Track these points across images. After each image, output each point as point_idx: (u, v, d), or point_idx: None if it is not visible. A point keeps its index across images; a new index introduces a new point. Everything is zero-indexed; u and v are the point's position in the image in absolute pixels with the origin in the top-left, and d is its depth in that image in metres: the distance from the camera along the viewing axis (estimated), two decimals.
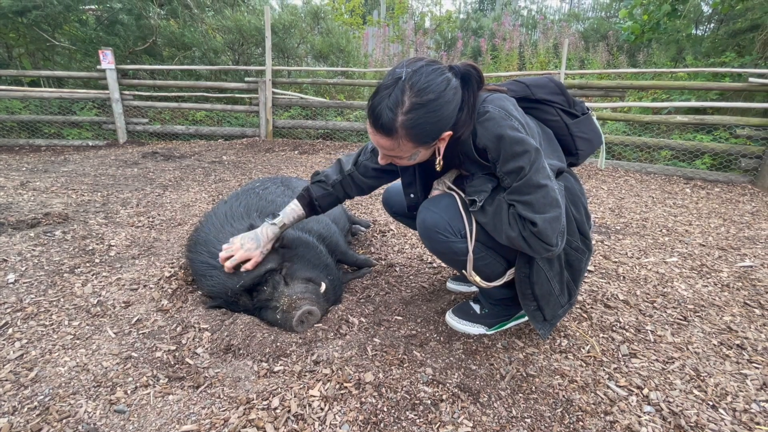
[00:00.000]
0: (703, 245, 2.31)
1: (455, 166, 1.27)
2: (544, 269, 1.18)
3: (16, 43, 6.14)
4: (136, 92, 5.66)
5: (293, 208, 1.43)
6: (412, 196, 1.35)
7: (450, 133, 1.08)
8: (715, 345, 1.39)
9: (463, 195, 1.20)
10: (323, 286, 1.46)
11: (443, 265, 1.96)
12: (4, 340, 1.30)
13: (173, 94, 5.76)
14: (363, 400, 1.09)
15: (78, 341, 1.31)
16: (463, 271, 1.23)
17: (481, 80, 1.11)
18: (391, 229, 2.44)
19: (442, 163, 1.15)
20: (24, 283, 1.64)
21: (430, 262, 1.99)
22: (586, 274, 1.87)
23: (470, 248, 1.17)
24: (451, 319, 1.44)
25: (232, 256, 1.38)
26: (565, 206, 1.13)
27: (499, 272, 1.24)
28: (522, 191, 1.04)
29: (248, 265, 1.38)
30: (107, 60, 5.25)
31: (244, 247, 1.38)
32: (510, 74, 5.57)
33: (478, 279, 1.23)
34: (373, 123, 1.05)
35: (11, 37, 6.01)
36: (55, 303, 1.52)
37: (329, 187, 1.42)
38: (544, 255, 1.09)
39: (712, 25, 6.81)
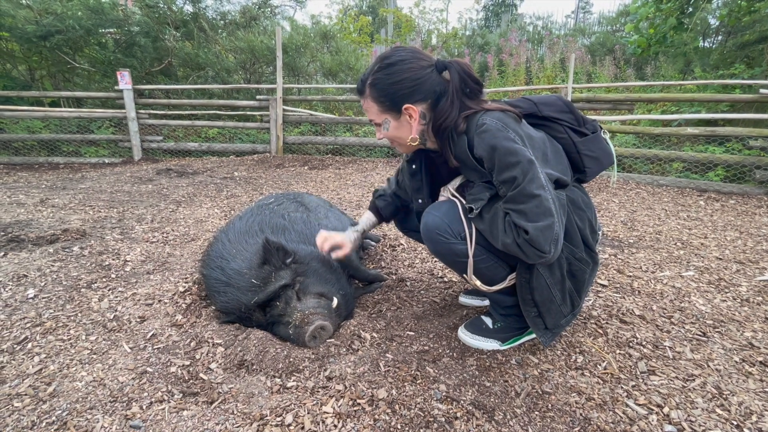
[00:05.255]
0: (720, 259, 2.27)
1: (456, 170, 1.35)
2: (544, 275, 1.20)
3: (39, 65, 6.41)
4: (152, 111, 5.83)
5: (368, 217, 1.61)
6: (420, 201, 1.43)
7: (415, 108, 1.18)
8: (736, 362, 1.35)
9: (464, 201, 1.24)
10: (335, 301, 1.46)
11: (454, 279, 1.96)
12: (24, 354, 1.33)
13: (187, 112, 5.93)
14: (376, 417, 1.08)
15: (95, 356, 1.33)
16: (464, 275, 1.27)
17: (467, 69, 1.18)
18: (401, 244, 2.44)
19: (416, 142, 1.25)
20: (43, 298, 1.68)
21: (441, 277, 1.99)
22: (600, 289, 1.85)
23: (470, 253, 1.21)
24: (464, 335, 1.43)
25: (328, 240, 1.51)
26: (566, 214, 1.18)
27: (501, 276, 1.26)
28: (516, 200, 1.08)
29: (340, 253, 1.50)
30: (125, 81, 5.44)
31: (340, 235, 1.52)
32: (517, 89, 5.62)
33: (478, 282, 1.26)
34: (356, 90, 1.28)
35: (34, 60, 6.28)
36: (72, 318, 1.54)
37: (389, 198, 1.59)
38: (538, 261, 1.11)
39: (720, 37, 6.81)
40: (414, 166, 1.42)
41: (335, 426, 1.05)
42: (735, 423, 1.08)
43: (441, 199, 1.35)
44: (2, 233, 2.38)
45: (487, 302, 1.64)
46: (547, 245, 1.06)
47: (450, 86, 1.17)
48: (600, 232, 1.39)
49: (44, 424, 1.05)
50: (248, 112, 6.00)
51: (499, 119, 1.12)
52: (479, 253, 1.22)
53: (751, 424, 1.08)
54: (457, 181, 1.34)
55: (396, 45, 1.28)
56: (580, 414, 1.11)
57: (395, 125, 1.24)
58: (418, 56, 1.19)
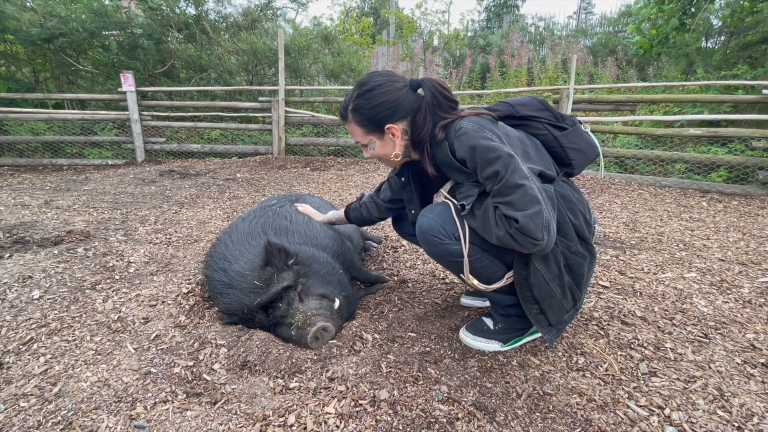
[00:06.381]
0: (722, 260, 2.27)
1: (443, 178, 1.40)
2: (541, 270, 1.21)
3: (43, 68, 6.46)
4: (155, 113, 5.86)
5: (339, 211, 1.83)
6: (413, 212, 1.47)
7: (397, 127, 1.27)
8: (738, 363, 1.35)
9: (456, 202, 1.27)
10: (337, 303, 1.47)
11: (456, 280, 1.96)
12: (29, 355, 1.34)
13: (190, 114, 5.95)
14: (378, 417, 1.09)
15: (99, 357, 1.34)
16: (461, 275, 1.28)
17: (439, 86, 1.26)
18: (403, 245, 2.45)
19: (399, 157, 1.34)
20: (48, 299, 1.70)
21: (443, 278, 2.00)
22: (602, 290, 1.85)
23: (465, 252, 1.23)
24: (465, 336, 1.43)
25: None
26: (557, 207, 1.20)
27: (498, 275, 1.27)
28: (502, 193, 1.11)
29: (300, 207, 1.92)
30: (128, 83, 5.47)
31: (311, 208, 1.93)
32: (519, 90, 5.62)
33: (476, 282, 1.27)
34: (339, 115, 1.38)
35: (38, 63, 6.32)
36: (77, 319, 1.56)
37: (358, 204, 1.71)
38: (534, 250, 1.12)
39: (722, 38, 6.80)
40: (403, 179, 1.47)
41: (337, 426, 1.06)
42: (736, 425, 1.09)
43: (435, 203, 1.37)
44: (7, 235, 2.40)
45: (487, 303, 1.64)
46: (539, 232, 1.07)
47: (423, 102, 1.26)
48: (595, 226, 1.40)
49: (50, 423, 1.06)
50: (250, 114, 6.03)
51: (475, 122, 1.18)
52: (474, 252, 1.24)
53: (753, 425, 1.08)
54: (448, 185, 1.37)
55: (371, 71, 1.37)
56: (582, 415, 1.12)
57: (380, 144, 1.33)
58: (393, 79, 1.27)
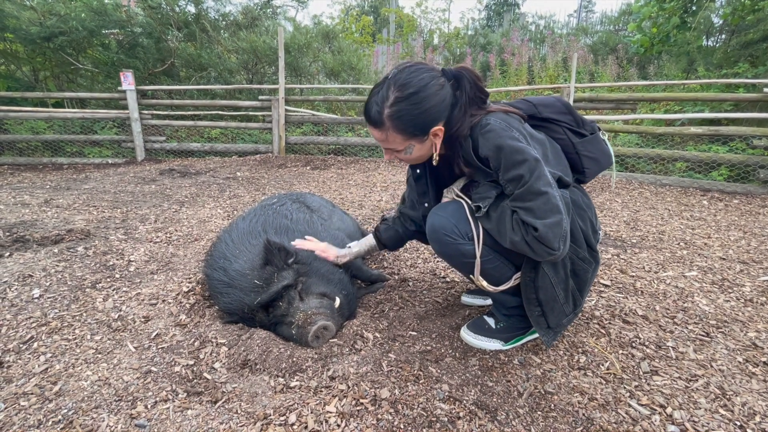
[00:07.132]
0: (724, 259, 2.26)
1: (462, 174, 1.34)
2: (549, 274, 1.20)
3: (43, 66, 6.45)
4: (155, 111, 5.85)
5: (368, 239, 1.62)
6: (426, 205, 1.43)
7: (441, 128, 1.17)
8: (740, 362, 1.35)
9: (470, 202, 1.24)
10: (338, 301, 1.47)
11: (457, 279, 1.96)
12: (29, 353, 1.34)
13: (190, 112, 5.95)
14: (379, 416, 1.09)
15: (100, 355, 1.34)
16: (470, 276, 1.27)
17: (477, 79, 1.18)
18: None
19: (438, 158, 1.24)
20: (48, 298, 1.69)
21: (443, 277, 1.99)
22: (603, 289, 1.85)
23: (477, 253, 1.21)
24: (467, 335, 1.43)
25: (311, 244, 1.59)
26: (570, 214, 1.18)
27: (507, 277, 1.26)
28: (524, 198, 1.08)
29: (322, 254, 1.56)
30: (128, 81, 5.46)
31: (324, 244, 1.60)
32: (519, 89, 5.61)
33: (485, 283, 1.26)
34: (366, 119, 1.21)
35: (38, 61, 6.31)
36: (78, 318, 1.56)
37: (390, 223, 1.58)
38: (548, 258, 1.12)
39: (723, 36, 6.79)
40: (418, 171, 1.43)
41: (338, 425, 1.05)
42: (738, 423, 1.08)
43: (445, 200, 1.35)
44: (7, 233, 2.40)
45: (489, 302, 1.64)
46: (557, 242, 1.06)
47: (463, 96, 1.17)
48: (600, 232, 1.39)
49: (50, 422, 1.06)
50: (251, 113, 6.02)
51: (503, 119, 1.14)
52: (486, 253, 1.22)
53: (755, 424, 1.08)
54: (461, 182, 1.34)
55: (404, 64, 1.14)
56: (583, 414, 1.12)
57: (419, 147, 1.22)
58: (433, 74, 1.14)
